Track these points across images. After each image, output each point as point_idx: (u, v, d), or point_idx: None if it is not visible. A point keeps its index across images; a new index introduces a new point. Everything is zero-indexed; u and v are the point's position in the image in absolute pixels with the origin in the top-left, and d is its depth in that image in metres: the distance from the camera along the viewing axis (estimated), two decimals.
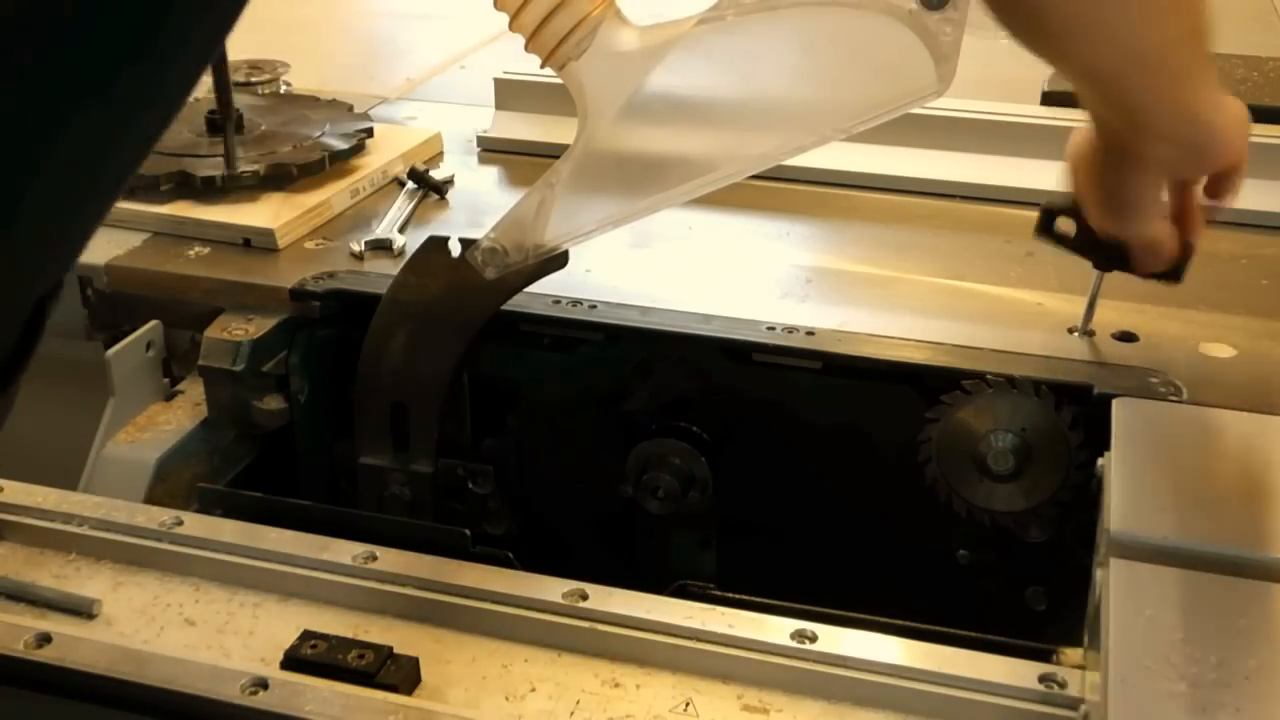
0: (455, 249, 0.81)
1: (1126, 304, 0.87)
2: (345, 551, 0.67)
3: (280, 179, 1.03)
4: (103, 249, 0.96)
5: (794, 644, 0.60)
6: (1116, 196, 0.73)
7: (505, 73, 1.24)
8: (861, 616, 0.67)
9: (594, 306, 0.88)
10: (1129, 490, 0.63)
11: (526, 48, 0.70)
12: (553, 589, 0.64)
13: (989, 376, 0.79)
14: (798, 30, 0.67)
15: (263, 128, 1.10)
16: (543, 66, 0.71)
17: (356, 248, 0.97)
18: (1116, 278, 0.81)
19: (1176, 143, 0.68)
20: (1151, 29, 0.63)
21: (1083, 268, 0.82)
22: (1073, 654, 0.64)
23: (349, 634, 0.63)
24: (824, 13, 0.66)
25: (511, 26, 0.69)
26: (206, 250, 0.97)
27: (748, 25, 0.67)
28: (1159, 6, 0.62)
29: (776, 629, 0.61)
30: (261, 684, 0.58)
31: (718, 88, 0.70)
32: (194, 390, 0.92)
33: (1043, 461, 0.80)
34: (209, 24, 0.41)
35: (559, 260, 0.78)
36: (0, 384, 0.43)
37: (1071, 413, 0.79)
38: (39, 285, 0.44)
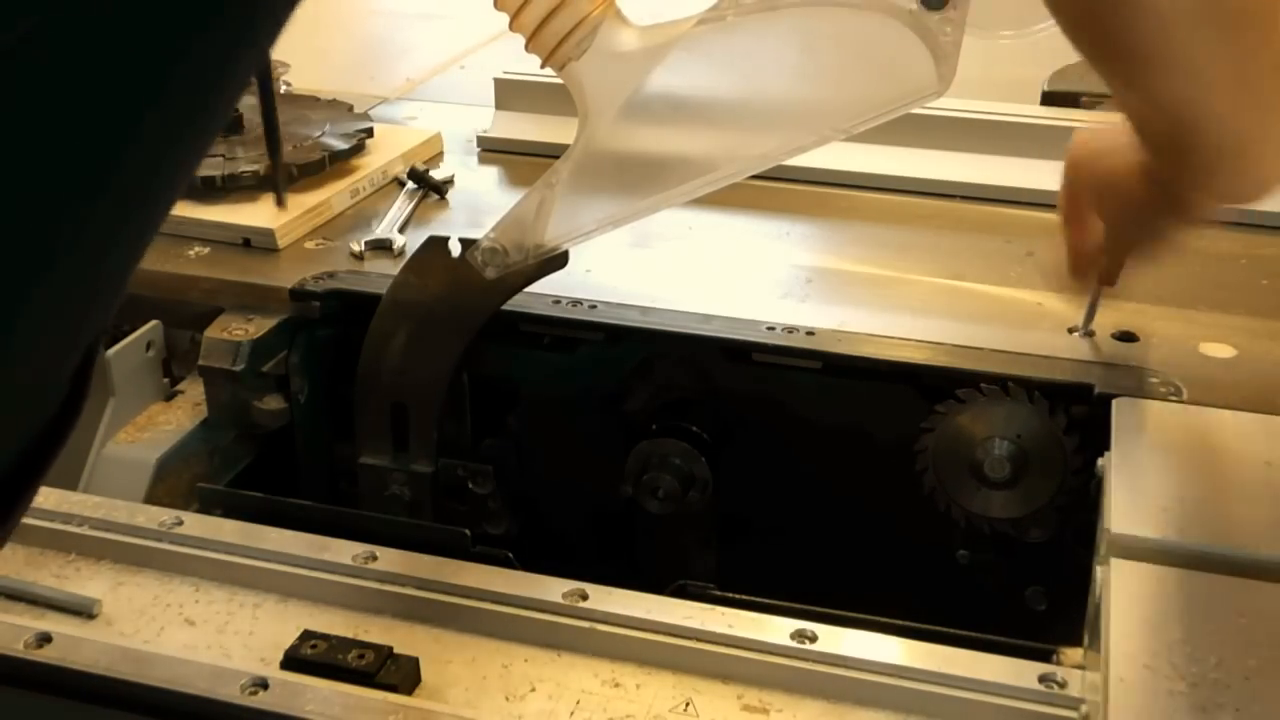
0: (455, 249, 0.81)
1: (1126, 304, 0.87)
2: (345, 551, 0.67)
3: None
4: None
5: (794, 644, 0.60)
6: (1155, 238, 0.71)
7: (505, 73, 1.24)
8: (861, 616, 0.67)
9: (594, 306, 0.88)
10: (1129, 490, 0.63)
11: (527, 48, 0.70)
12: (553, 589, 0.64)
13: (982, 385, 0.79)
14: (798, 30, 0.67)
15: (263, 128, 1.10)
16: (543, 66, 0.71)
17: (356, 248, 0.97)
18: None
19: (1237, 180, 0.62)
20: (1244, 59, 0.55)
21: None
22: (1073, 654, 0.64)
23: (349, 634, 0.63)
24: (824, 13, 0.66)
25: (512, 26, 0.69)
26: (206, 250, 0.97)
27: (748, 25, 0.67)
28: (1250, 38, 0.54)
29: (776, 629, 0.61)
30: (261, 684, 0.58)
31: (718, 88, 0.70)
32: (194, 390, 0.92)
33: (1039, 467, 0.80)
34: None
35: (559, 260, 0.78)
36: (52, 442, 0.39)
37: (1066, 417, 0.79)
38: (88, 332, 0.40)
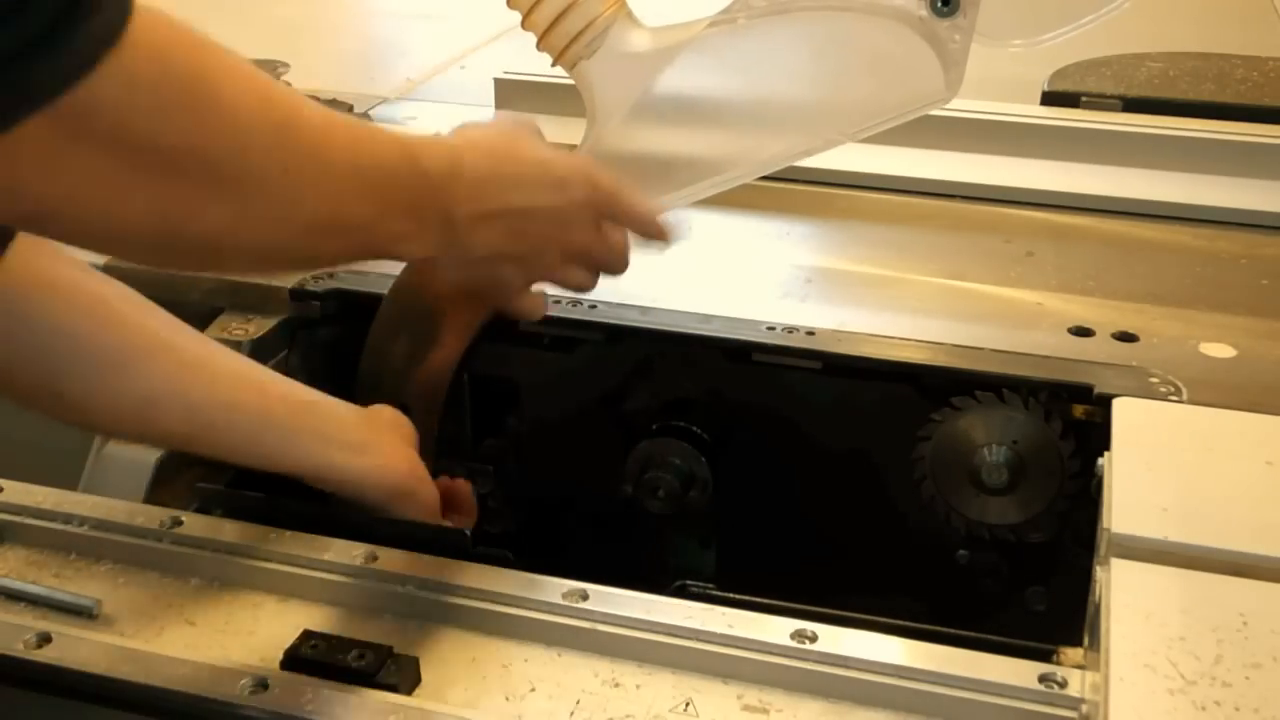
0: None
1: (1126, 304, 0.87)
2: (345, 551, 0.67)
3: None
4: None
5: (794, 644, 0.60)
6: None
7: (505, 73, 1.24)
8: (861, 616, 0.67)
9: (594, 306, 0.88)
10: (1129, 490, 0.63)
11: (538, 46, 0.70)
12: (553, 589, 0.64)
13: (977, 393, 0.80)
14: (808, 35, 0.67)
15: None
16: (554, 65, 0.71)
17: None
18: (1116, 277, 0.81)
19: None
20: None
21: (1083, 268, 0.82)
22: (1073, 654, 0.64)
23: (349, 634, 0.62)
24: (834, 18, 0.66)
25: (523, 25, 0.69)
26: None
27: (758, 29, 0.67)
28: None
29: (776, 629, 0.61)
30: (262, 684, 0.58)
31: (727, 90, 0.71)
32: None
33: (1036, 472, 0.80)
34: None
35: None
36: None
37: (1063, 421, 0.79)
38: None
